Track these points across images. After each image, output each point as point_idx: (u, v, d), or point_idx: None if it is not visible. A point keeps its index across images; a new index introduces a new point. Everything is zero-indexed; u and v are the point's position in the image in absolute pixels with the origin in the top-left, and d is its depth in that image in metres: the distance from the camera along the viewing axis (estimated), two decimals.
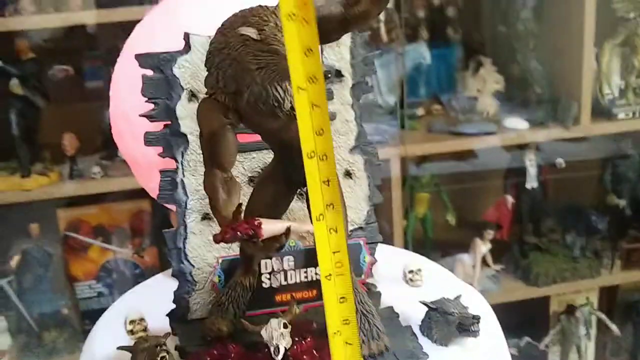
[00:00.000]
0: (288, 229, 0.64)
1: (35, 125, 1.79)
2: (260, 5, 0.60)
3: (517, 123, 1.94)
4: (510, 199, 2.07)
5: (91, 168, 1.77)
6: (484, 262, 2.08)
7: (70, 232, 1.89)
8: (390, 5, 1.89)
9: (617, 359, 2.33)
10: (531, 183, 2.04)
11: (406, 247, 1.98)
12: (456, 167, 2.09)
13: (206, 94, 0.65)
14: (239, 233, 0.60)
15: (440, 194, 2.07)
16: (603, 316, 2.18)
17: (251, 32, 0.57)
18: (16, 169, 1.77)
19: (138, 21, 1.68)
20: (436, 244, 2.13)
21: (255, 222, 0.61)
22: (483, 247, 2.04)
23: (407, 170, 1.95)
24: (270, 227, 0.63)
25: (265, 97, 0.62)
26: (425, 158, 2.00)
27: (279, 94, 0.62)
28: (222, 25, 0.62)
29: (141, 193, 1.84)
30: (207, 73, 0.64)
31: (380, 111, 1.92)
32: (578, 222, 2.13)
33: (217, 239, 0.61)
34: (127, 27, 1.76)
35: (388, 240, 1.95)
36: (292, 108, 0.64)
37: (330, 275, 0.58)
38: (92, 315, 1.91)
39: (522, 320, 2.21)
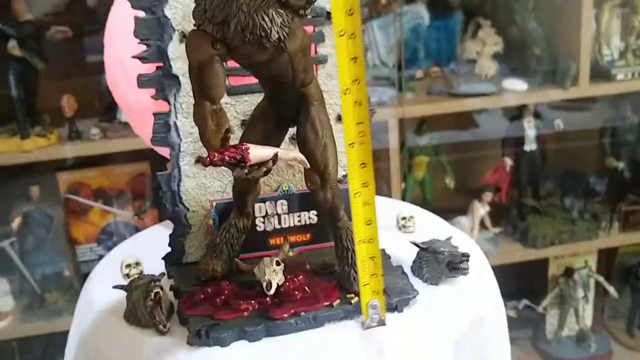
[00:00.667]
0: (275, 155, 0.65)
1: (34, 87, 1.79)
2: None
3: (515, 84, 1.94)
4: (509, 162, 2.07)
5: (90, 130, 1.77)
6: (482, 225, 2.09)
7: (71, 195, 1.90)
8: None
9: (614, 321, 2.35)
10: (530, 145, 2.05)
11: None
12: (456, 135, 2.09)
13: (194, 25, 0.65)
14: (227, 157, 0.61)
15: (439, 157, 2.07)
16: (601, 279, 2.19)
17: None
18: (15, 131, 1.77)
19: None
20: (434, 207, 2.11)
21: (243, 147, 0.62)
22: (481, 210, 2.05)
23: (405, 134, 1.95)
24: (258, 152, 0.63)
25: (252, 27, 0.62)
26: (423, 120, 1.99)
27: (266, 23, 0.62)
28: None
29: (141, 155, 1.86)
30: (195, 4, 0.64)
31: (378, 73, 1.92)
32: (576, 185, 2.13)
33: (205, 163, 0.62)
34: None
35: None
36: (279, 39, 0.64)
37: (353, 143, 0.67)
38: None
39: (520, 283, 2.23)
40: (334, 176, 0.75)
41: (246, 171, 0.63)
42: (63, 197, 1.90)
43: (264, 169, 0.64)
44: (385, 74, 1.94)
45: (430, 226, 1.05)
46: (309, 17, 0.61)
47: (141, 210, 1.91)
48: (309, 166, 0.71)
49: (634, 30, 2.00)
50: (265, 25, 0.62)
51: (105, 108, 1.82)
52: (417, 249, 0.87)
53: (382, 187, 1.93)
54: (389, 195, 1.96)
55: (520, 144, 2.06)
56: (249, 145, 0.63)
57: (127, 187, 1.94)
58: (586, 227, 2.11)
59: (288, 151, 0.69)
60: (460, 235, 0.99)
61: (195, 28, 0.65)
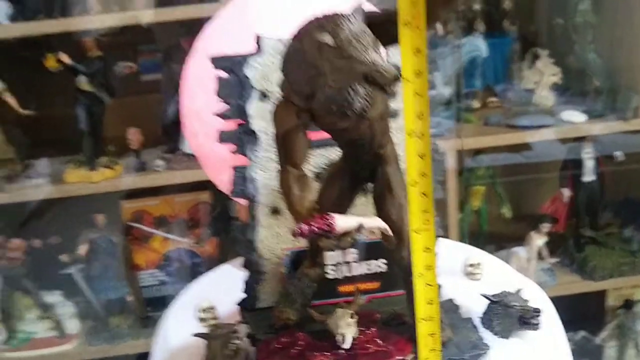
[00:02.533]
0: (360, 225, 0.68)
1: (101, 120, 1.86)
2: (334, 12, 0.63)
3: (574, 116, 1.93)
4: (566, 192, 2.06)
5: (154, 161, 1.83)
6: (539, 255, 2.07)
7: (133, 223, 1.96)
8: None
9: None
10: (588, 176, 2.02)
11: (461, 240, 1.99)
12: (512, 159, 2.08)
13: (281, 95, 0.68)
14: (315, 228, 0.64)
15: (496, 186, 2.07)
16: None
17: (327, 38, 0.60)
18: (83, 162, 1.85)
19: (198, 19, 1.74)
20: (491, 237, 2.14)
21: (330, 218, 0.65)
22: (539, 241, 2.03)
23: (463, 164, 1.96)
24: (343, 222, 0.66)
25: (338, 99, 0.65)
26: (480, 151, 2.00)
27: (350, 95, 0.65)
28: (296, 30, 0.65)
29: (201, 185, 1.92)
30: (281, 77, 0.67)
31: (436, 104, 1.93)
32: (636, 216, 2.10)
33: (295, 234, 0.65)
34: (187, 25, 1.82)
35: (443, 232, 1.96)
36: (362, 109, 0.67)
37: (419, 230, 0.69)
38: (154, 303, 1.99)
39: (577, 314, 2.20)
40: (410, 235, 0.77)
41: (334, 242, 0.65)
42: (126, 224, 1.96)
43: (349, 240, 0.67)
44: (443, 105, 1.95)
45: (496, 272, 1.05)
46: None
47: (201, 239, 1.96)
48: (390, 233, 0.74)
49: None
50: (349, 98, 0.65)
51: (168, 140, 1.88)
52: (487, 301, 0.88)
53: (440, 218, 1.93)
54: (446, 225, 1.97)
55: (578, 175, 2.05)
56: (334, 215, 0.65)
57: (187, 215, 1.99)
58: None
59: (372, 220, 0.71)
60: (527, 285, 0.99)
61: (281, 99, 0.68)
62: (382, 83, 0.61)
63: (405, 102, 0.63)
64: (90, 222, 1.95)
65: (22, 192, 1.82)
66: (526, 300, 0.86)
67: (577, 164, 2.05)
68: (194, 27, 1.78)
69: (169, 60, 1.88)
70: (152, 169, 1.83)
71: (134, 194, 1.95)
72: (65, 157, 1.92)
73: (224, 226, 1.95)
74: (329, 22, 0.62)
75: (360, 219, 0.69)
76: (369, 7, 1.03)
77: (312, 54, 0.62)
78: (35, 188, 1.83)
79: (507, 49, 2.09)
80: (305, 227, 0.64)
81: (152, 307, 1.98)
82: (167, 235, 1.97)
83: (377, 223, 0.71)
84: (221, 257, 1.99)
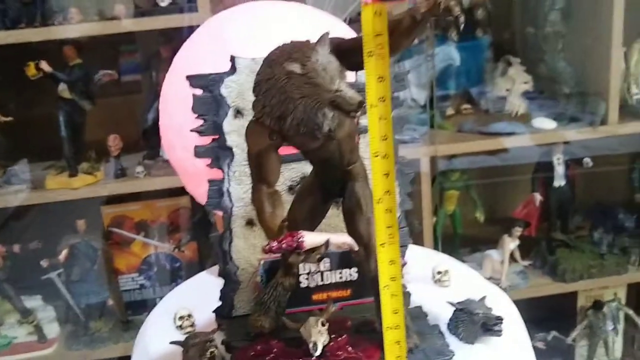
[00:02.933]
0: (327, 241, 0.71)
1: (82, 127, 1.89)
2: (302, 41, 0.67)
3: (545, 123, 1.98)
4: (538, 197, 2.11)
5: (135, 167, 1.85)
6: (512, 258, 2.13)
7: (114, 228, 1.99)
8: None
9: None
10: (559, 181, 2.09)
11: (435, 243, 2.04)
12: (485, 161, 2.13)
13: (254, 117, 0.72)
14: (284, 246, 0.68)
15: (470, 190, 2.12)
16: (631, 312, 2.21)
17: (295, 67, 0.64)
18: (64, 168, 1.87)
19: (176, 29, 1.77)
20: (465, 240, 2.19)
21: (298, 236, 0.69)
22: (511, 244, 2.09)
23: (437, 169, 2.00)
24: (311, 239, 0.70)
25: (307, 122, 0.69)
26: (454, 157, 2.05)
27: (319, 119, 0.69)
28: (268, 57, 0.69)
29: (181, 190, 1.94)
30: (255, 99, 0.71)
31: (410, 111, 1.97)
32: (605, 220, 2.16)
33: (265, 251, 0.68)
34: (166, 33, 1.85)
35: (418, 236, 2.01)
36: (330, 130, 0.71)
37: (384, 243, 0.73)
38: (134, 307, 2.02)
39: (549, 315, 2.26)
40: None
41: (302, 258, 0.69)
42: (106, 229, 1.99)
43: (317, 256, 0.71)
44: (416, 112, 1.99)
45: (465, 279, 1.10)
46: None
47: (181, 243, 1.99)
48: (357, 249, 0.78)
49: None
50: (318, 121, 0.69)
51: (148, 146, 1.91)
52: (454, 308, 0.92)
53: (414, 222, 1.98)
54: (421, 229, 2.02)
55: (549, 179, 2.10)
56: (303, 233, 0.69)
57: (167, 220, 2.02)
58: (615, 262, 2.14)
59: (339, 236, 0.75)
60: (493, 292, 1.04)
61: (254, 119, 0.72)
62: (347, 110, 0.65)
63: (371, 125, 0.67)
64: (71, 227, 1.98)
65: (2, 198, 1.84)
66: (490, 308, 0.91)
67: (549, 167, 2.10)
68: (173, 35, 1.82)
69: (149, 68, 1.91)
70: (133, 176, 1.85)
71: (114, 198, 1.98)
72: (46, 163, 1.94)
73: (203, 231, 1.98)
74: (298, 52, 0.66)
75: (328, 235, 0.72)
76: (345, 31, 1.08)
77: (282, 80, 0.66)
78: (16, 194, 1.85)
79: (481, 53, 2.14)
80: (275, 244, 0.68)
81: (132, 311, 2.01)
82: (147, 240, 2.00)
83: (344, 239, 0.75)
84: (201, 262, 2.02)
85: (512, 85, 2.06)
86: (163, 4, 1.75)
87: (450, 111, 2.09)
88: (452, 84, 2.13)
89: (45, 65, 1.74)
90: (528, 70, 2.07)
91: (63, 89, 1.81)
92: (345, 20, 1.82)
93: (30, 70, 1.74)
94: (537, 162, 2.14)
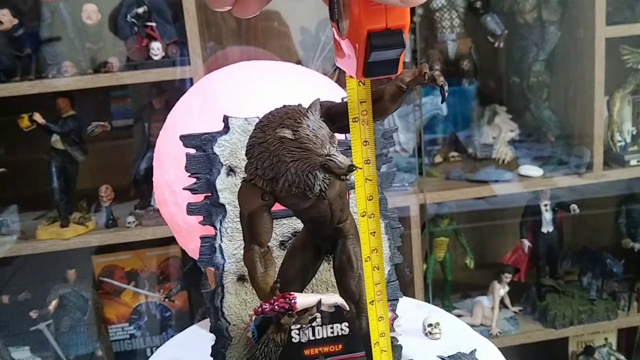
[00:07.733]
0: (319, 302, 0.73)
1: (74, 177, 1.90)
2: (293, 107, 0.70)
3: (531, 170, 2.02)
4: (527, 243, 2.14)
5: (126, 217, 1.86)
6: (502, 304, 2.14)
7: (105, 278, 1.99)
8: (407, 58, 1.99)
9: None
10: (547, 227, 2.11)
11: (426, 290, 2.05)
12: (473, 206, 2.15)
13: (246, 179, 0.74)
14: (276, 307, 0.69)
15: (459, 238, 2.14)
16: (622, 357, 2.22)
17: (287, 133, 0.67)
18: (55, 219, 1.87)
19: (168, 81, 1.80)
20: (456, 286, 2.20)
21: (291, 297, 0.70)
22: (501, 290, 2.10)
23: (426, 217, 2.02)
24: (303, 300, 0.71)
25: (298, 184, 0.71)
26: (443, 204, 2.07)
27: (310, 180, 0.71)
28: (260, 122, 0.71)
29: (172, 239, 1.95)
30: (247, 161, 0.73)
31: (399, 159, 2.01)
32: (594, 265, 2.18)
33: (257, 312, 0.69)
34: (158, 86, 1.88)
35: (409, 283, 2.02)
36: (321, 191, 0.73)
37: (373, 301, 0.75)
38: (124, 357, 2.00)
39: None
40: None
41: (294, 319, 0.70)
42: (97, 279, 1.98)
43: (309, 317, 0.72)
44: (405, 160, 2.02)
45: (455, 331, 1.10)
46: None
47: (172, 293, 1.99)
48: (347, 309, 0.79)
49: None
50: (309, 182, 0.71)
51: (139, 195, 1.92)
52: None
53: (405, 269, 1.99)
54: (412, 277, 2.03)
55: (538, 225, 2.13)
56: (295, 294, 0.71)
57: (158, 269, 2.02)
58: (605, 307, 2.15)
59: (330, 296, 0.76)
60: (484, 344, 1.05)
61: (247, 181, 0.74)
62: (338, 173, 0.67)
63: (357, 186, 0.69)
64: (61, 277, 1.97)
65: None
66: None
67: (537, 211, 2.13)
68: (165, 87, 1.85)
69: (141, 118, 1.93)
70: (124, 226, 1.86)
71: (105, 248, 1.98)
72: (37, 212, 1.95)
73: (194, 280, 1.99)
74: (290, 118, 0.68)
75: (319, 296, 0.74)
76: (332, 88, 1.11)
77: (275, 145, 0.68)
78: (6, 244, 1.85)
79: (469, 99, 2.18)
80: (267, 306, 0.69)
81: None
82: (138, 290, 2.00)
83: (335, 299, 0.77)
84: (191, 311, 2.02)
85: (499, 133, 2.10)
86: (156, 57, 1.78)
87: (438, 158, 2.12)
88: (440, 128, 2.17)
89: (38, 117, 1.76)
90: (514, 118, 2.11)
91: (56, 140, 1.82)
92: (334, 69, 1.87)
93: (24, 122, 1.75)
94: (525, 207, 2.16)
